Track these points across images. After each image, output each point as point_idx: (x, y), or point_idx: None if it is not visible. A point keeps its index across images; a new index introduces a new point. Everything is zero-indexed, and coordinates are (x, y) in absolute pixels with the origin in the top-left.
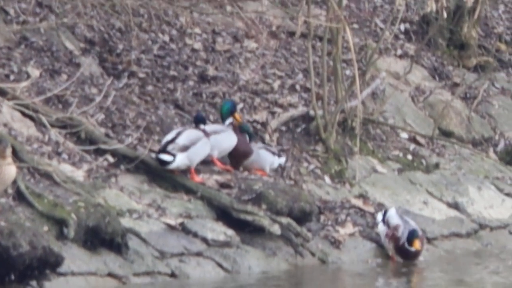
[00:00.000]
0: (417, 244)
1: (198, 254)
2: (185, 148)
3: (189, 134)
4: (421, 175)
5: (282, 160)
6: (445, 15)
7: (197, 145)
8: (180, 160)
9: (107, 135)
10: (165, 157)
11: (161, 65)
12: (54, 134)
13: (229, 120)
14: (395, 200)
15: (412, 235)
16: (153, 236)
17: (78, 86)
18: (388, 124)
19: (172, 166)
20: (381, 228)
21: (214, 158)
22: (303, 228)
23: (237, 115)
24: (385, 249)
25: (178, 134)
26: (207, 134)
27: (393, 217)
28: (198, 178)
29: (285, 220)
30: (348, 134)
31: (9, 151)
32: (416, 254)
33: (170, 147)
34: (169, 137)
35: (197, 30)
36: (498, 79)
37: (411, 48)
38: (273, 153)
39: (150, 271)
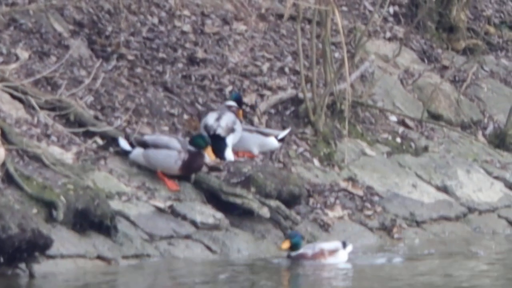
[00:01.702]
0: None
1: (187, 237)
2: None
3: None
4: (410, 158)
5: (278, 137)
6: None
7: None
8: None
9: (96, 117)
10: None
11: (150, 48)
12: (43, 116)
13: (231, 102)
14: (384, 183)
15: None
16: (142, 219)
17: (67, 68)
18: (377, 107)
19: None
20: None
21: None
22: (292, 211)
23: (240, 111)
24: None
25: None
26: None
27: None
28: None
29: (274, 203)
30: (337, 117)
31: None
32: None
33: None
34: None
35: (186, 12)
36: (487, 62)
37: (400, 30)
38: (264, 135)
39: (139, 253)
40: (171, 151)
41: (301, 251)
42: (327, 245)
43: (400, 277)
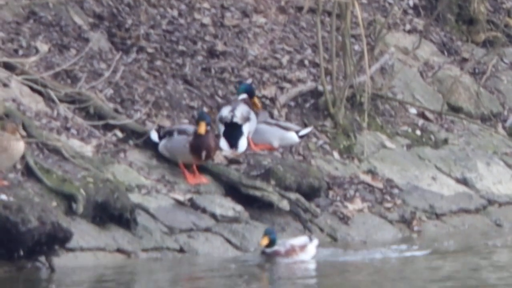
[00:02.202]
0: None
1: (207, 229)
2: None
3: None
4: (430, 151)
5: (299, 134)
6: None
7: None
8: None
9: (115, 110)
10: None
11: (169, 40)
12: (63, 109)
13: (243, 96)
14: (404, 176)
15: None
16: (161, 212)
17: (86, 61)
18: (396, 100)
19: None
20: None
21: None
22: (311, 204)
23: (256, 100)
24: None
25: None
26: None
27: None
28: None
29: (293, 195)
30: (357, 110)
31: (20, 128)
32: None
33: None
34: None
35: (206, 4)
36: (506, 55)
37: (419, 23)
38: (285, 129)
39: (158, 246)
40: (181, 136)
41: (275, 248)
42: (296, 241)
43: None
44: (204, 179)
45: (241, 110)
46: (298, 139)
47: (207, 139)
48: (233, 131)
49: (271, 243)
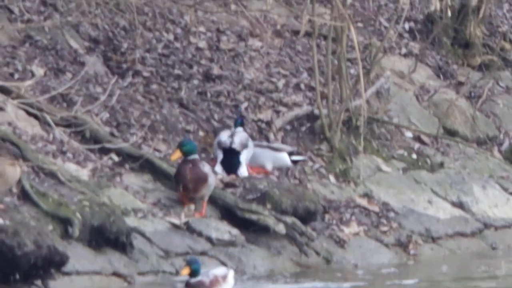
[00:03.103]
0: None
1: (203, 253)
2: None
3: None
4: (426, 174)
5: (291, 157)
6: (449, 13)
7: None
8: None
9: (111, 134)
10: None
11: (165, 64)
12: (59, 133)
13: (238, 129)
14: (400, 199)
15: None
16: (158, 235)
17: (82, 84)
18: (392, 123)
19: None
20: None
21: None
22: (307, 227)
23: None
24: None
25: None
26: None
27: None
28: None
29: (289, 219)
30: (353, 133)
31: (20, 161)
32: None
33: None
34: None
35: (202, 28)
36: (502, 78)
37: (415, 47)
38: (276, 150)
39: (155, 270)
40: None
41: (199, 278)
42: (218, 271)
43: None
44: (197, 214)
45: (240, 136)
46: (290, 162)
47: (185, 167)
48: (231, 158)
49: (195, 272)
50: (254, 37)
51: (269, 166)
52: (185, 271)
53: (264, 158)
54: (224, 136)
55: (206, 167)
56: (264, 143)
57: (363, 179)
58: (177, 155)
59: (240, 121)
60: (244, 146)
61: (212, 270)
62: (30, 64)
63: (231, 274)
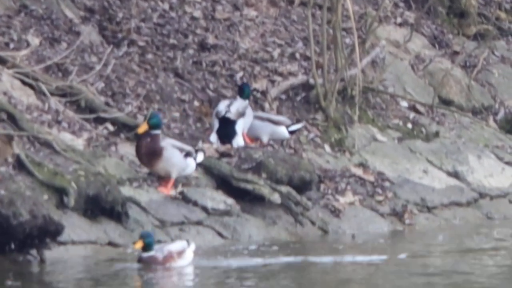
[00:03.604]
0: None
1: (198, 223)
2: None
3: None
4: (421, 144)
5: (289, 129)
6: None
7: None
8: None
9: (107, 103)
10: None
11: (160, 33)
12: (54, 102)
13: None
14: (395, 169)
15: None
16: (153, 205)
17: (78, 54)
18: (388, 93)
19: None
20: None
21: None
22: (303, 197)
23: None
24: None
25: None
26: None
27: None
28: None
29: (285, 189)
30: (348, 103)
31: None
32: None
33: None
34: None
35: None
36: (498, 48)
37: (411, 16)
38: (275, 123)
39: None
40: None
41: (152, 253)
42: (174, 247)
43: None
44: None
45: (237, 105)
46: (289, 134)
47: (138, 144)
48: (226, 128)
49: (148, 246)
50: (249, 6)
51: (265, 139)
52: (138, 245)
53: (262, 131)
54: (221, 105)
55: (164, 142)
56: (264, 115)
57: (358, 149)
58: (143, 128)
59: (247, 92)
60: (241, 115)
61: (168, 245)
62: (25, 34)
63: (190, 249)
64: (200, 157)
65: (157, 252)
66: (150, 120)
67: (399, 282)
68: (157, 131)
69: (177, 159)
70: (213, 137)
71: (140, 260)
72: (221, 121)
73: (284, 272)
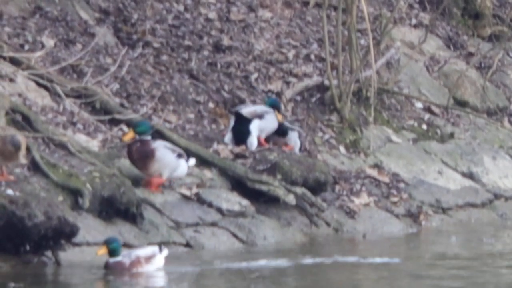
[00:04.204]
0: None
1: (213, 224)
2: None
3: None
4: (436, 145)
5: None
6: None
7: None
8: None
9: (121, 105)
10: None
11: (175, 35)
12: (69, 104)
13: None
14: (410, 170)
15: None
16: (168, 206)
17: (92, 55)
18: (403, 94)
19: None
20: None
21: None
22: (318, 198)
23: (279, 114)
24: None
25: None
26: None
27: None
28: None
29: (300, 190)
30: (363, 104)
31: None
32: None
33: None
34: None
35: None
36: None
37: (425, 17)
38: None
39: (165, 241)
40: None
41: (119, 258)
42: (143, 252)
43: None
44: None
45: (256, 107)
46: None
47: (129, 150)
48: (240, 125)
49: (113, 252)
50: (264, 7)
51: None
52: (102, 251)
53: (296, 143)
54: (242, 106)
55: (156, 143)
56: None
57: (373, 150)
58: (130, 136)
59: (272, 102)
60: (257, 115)
61: (136, 250)
62: (40, 35)
63: (161, 255)
64: (192, 161)
65: (124, 257)
66: (137, 128)
67: (411, 285)
68: (147, 137)
69: (170, 158)
70: (228, 138)
71: (106, 265)
72: (236, 117)
73: (299, 273)
